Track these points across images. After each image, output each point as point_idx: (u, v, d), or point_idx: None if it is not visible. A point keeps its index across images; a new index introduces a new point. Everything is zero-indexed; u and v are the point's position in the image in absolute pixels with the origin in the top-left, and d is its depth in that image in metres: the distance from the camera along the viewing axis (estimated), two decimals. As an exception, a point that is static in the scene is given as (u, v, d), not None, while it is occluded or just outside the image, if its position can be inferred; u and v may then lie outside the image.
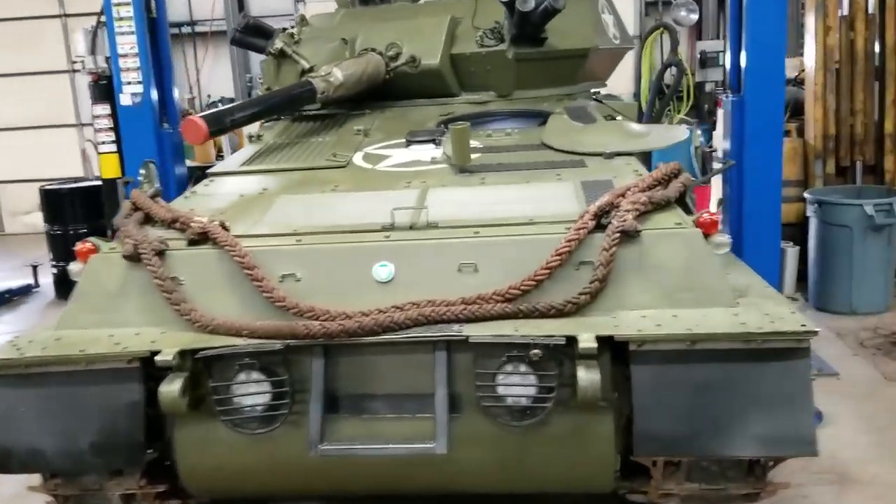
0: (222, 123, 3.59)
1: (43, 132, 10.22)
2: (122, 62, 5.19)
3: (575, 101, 4.75)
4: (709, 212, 2.79)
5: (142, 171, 3.39)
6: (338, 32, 4.77)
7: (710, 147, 7.36)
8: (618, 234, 2.68)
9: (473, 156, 3.72)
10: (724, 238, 2.76)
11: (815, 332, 2.48)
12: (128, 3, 5.16)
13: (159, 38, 5.45)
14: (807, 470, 3.79)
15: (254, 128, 4.72)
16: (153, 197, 3.19)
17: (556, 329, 2.57)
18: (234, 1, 10.54)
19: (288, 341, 2.57)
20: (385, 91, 4.79)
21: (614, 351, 2.61)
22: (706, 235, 2.76)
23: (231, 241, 2.78)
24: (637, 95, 10.60)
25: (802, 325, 2.49)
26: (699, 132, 8.39)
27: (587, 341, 2.48)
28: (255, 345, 2.58)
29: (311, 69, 4.51)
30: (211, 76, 10.73)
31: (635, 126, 4.16)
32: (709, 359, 2.53)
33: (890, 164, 6.43)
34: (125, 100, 5.26)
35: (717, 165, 5.98)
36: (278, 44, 4.63)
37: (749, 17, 4.88)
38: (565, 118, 4.16)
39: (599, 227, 2.75)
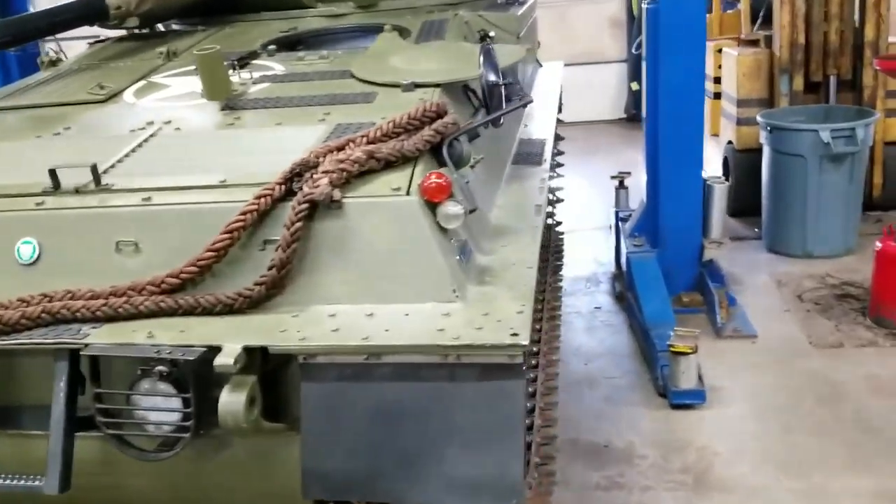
0: (-55, 51, 2.97)
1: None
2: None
3: (448, 12, 3.97)
4: (437, 174, 2.09)
5: None
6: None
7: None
8: (305, 206, 2.03)
9: (260, 86, 3.05)
10: (454, 209, 2.06)
11: (524, 346, 1.82)
12: None
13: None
14: (662, 468, 3.18)
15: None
16: None
17: (209, 334, 1.96)
18: None
19: None
20: (229, 4, 4.11)
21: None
22: (433, 204, 2.09)
23: None
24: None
25: (513, 335, 1.84)
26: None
27: (226, 356, 1.87)
28: None
29: (121, -23, 3.82)
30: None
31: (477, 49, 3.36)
32: (396, 377, 1.91)
33: (869, 79, 5.44)
34: (-42, 17, 4.65)
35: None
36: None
37: None
38: (393, 37, 3.42)
39: (293, 194, 2.10)
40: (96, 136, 2.72)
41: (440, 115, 2.34)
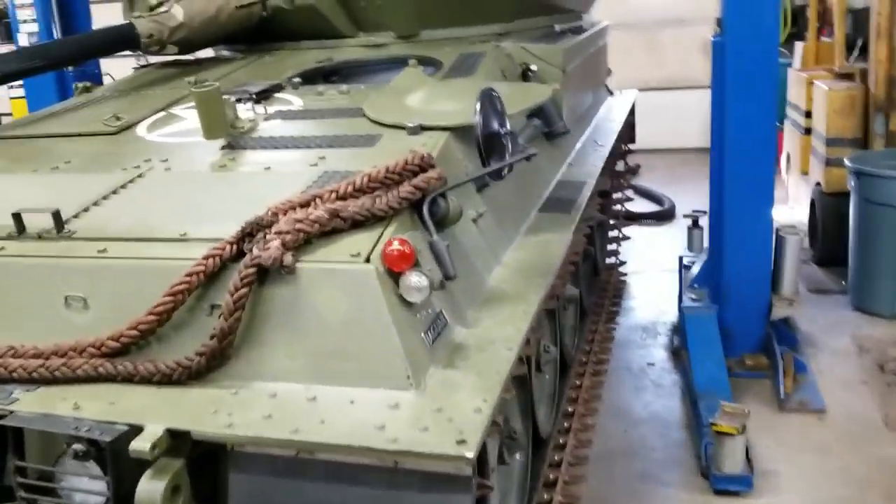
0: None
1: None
2: (17, -3, 4.68)
3: (488, 44, 3.73)
4: (400, 239, 1.85)
5: None
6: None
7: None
8: (251, 271, 1.83)
9: (270, 123, 2.91)
10: (417, 280, 1.81)
11: (469, 459, 1.55)
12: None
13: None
14: (689, 563, 2.79)
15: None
16: None
17: (136, 409, 1.79)
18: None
19: None
20: (271, 32, 4.02)
21: None
22: (395, 274, 1.84)
23: None
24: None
25: (459, 442, 1.57)
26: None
27: (144, 439, 1.68)
28: None
29: (158, 4, 3.78)
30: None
31: (505, 86, 3.08)
32: (331, 477, 1.68)
33: (981, 121, 4.85)
34: (22, 40, 4.76)
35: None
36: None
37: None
38: (416, 72, 3.20)
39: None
40: (88, 174, 2.62)
41: (424, 168, 2.09)
